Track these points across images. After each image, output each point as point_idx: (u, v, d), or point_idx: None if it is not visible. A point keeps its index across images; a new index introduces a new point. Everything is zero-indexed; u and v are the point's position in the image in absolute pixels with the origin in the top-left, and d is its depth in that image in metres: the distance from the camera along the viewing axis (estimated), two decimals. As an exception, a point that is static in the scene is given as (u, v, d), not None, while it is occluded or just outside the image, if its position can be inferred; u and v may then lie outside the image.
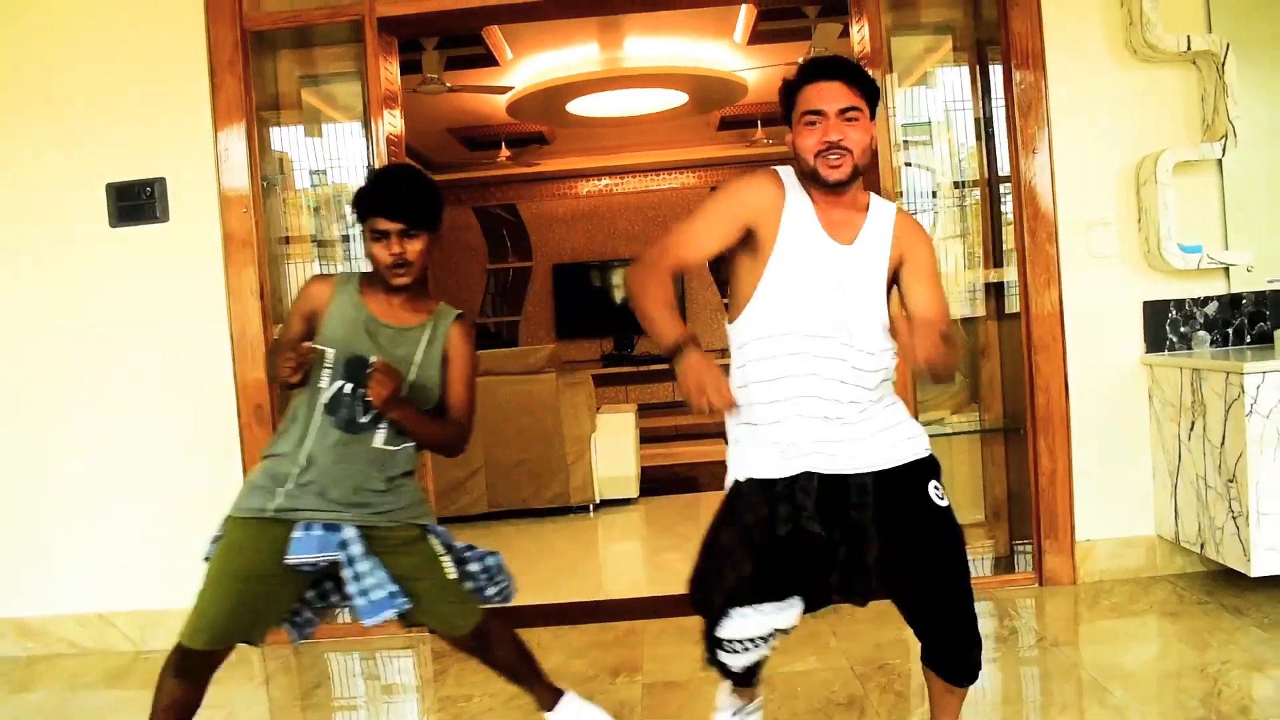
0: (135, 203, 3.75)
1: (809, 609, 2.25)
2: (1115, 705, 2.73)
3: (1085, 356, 3.74)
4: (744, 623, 2.20)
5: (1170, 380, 3.57)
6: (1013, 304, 3.91)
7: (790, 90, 2.17)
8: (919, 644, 2.21)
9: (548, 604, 4.12)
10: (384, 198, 2.39)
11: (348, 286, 2.48)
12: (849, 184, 2.13)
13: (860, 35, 3.86)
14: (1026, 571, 3.84)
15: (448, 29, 5.37)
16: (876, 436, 2.15)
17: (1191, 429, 3.45)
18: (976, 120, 4.06)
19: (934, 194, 4.10)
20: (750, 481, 2.17)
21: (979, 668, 2.17)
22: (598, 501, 5.85)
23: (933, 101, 4.15)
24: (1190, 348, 3.72)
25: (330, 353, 2.38)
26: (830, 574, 2.14)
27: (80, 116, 3.78)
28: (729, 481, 2.24)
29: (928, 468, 2.18)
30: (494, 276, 11.28)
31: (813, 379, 2.11)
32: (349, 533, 2.35)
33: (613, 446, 5.97)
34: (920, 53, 4.14)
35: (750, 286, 2.16)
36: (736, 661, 2.29)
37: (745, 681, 2.44)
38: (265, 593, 2.35)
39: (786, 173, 2.21)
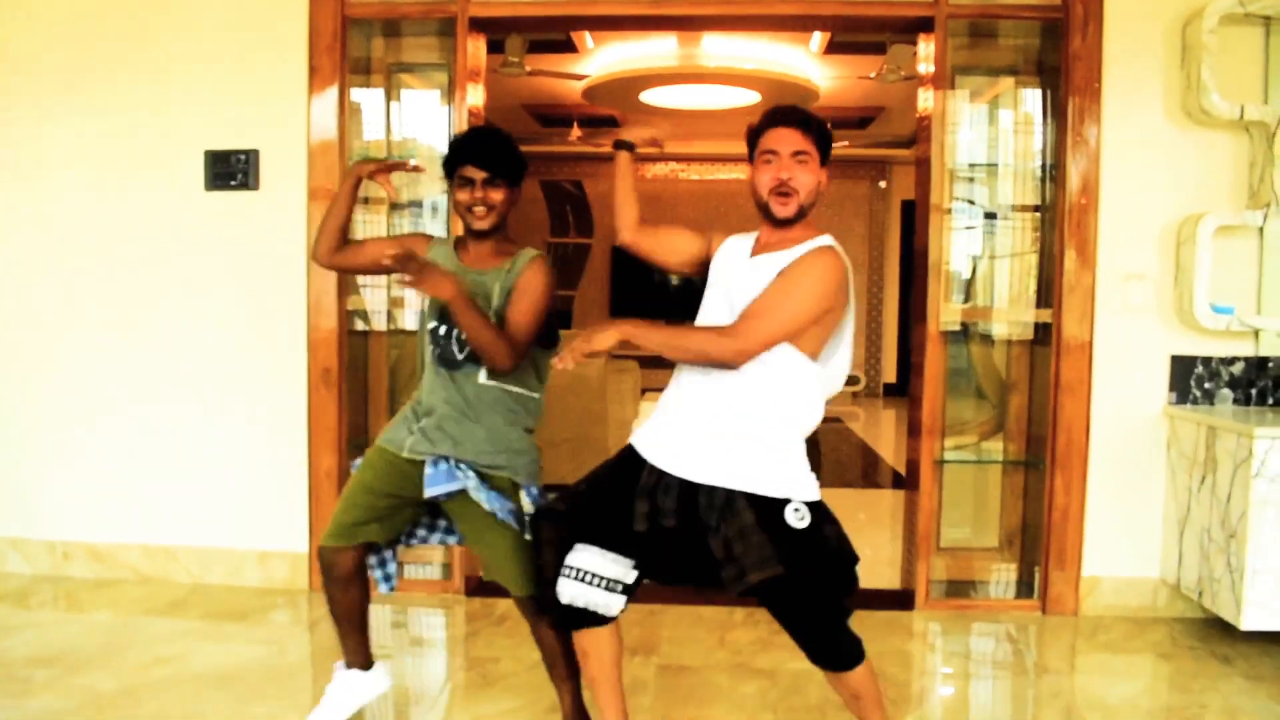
0: (229, 169, 4.02)
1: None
2: (1091, 736, 2.93)
3: (1110, 401, 3.89)
4: None
5: (1188, 434, 3.72)
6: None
7: (754, 133, 2.49)
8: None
9: (575, 580, 4.33)
10: (472, 147, 2.65)
11: (444, 245, 2.76)
12: (795, 220, 2.45)
13: (925, 55, 4.05)
14: (1032, 599, 4.03)
15: (535, 30, 5.59)
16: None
17: (1203, 482, 3.60)
18: (1040, 158, 4.14)
19: (990, 216, 4.20)
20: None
21: None
22: (633, 484, 6.03)
23: (996, 133, 4.25)
24: (1213, 404, 3.86)
25: (428, 299, 2.66)
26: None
27: (184, 86, 4.06)
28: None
29: None
30: (554, 250, 11.49)
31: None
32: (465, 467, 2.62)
33: (653, 433, 6.12)
34: (986, 85, 4.25)
35: None
36: None
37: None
38: (385, 507, 2.69)
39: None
